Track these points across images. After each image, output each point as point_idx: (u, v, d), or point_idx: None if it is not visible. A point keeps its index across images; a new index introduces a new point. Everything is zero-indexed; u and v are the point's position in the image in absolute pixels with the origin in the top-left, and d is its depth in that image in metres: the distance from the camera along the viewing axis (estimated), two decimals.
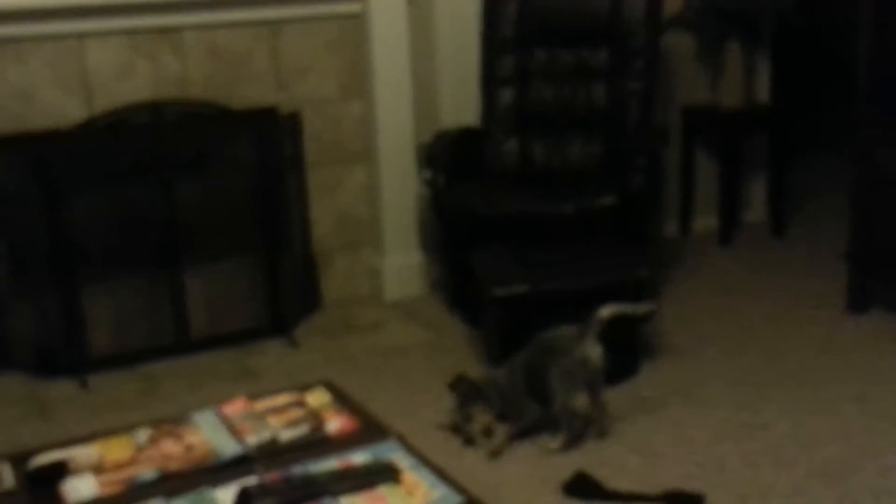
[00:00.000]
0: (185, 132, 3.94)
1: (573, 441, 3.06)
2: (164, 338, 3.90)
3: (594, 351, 3.03)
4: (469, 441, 3.10)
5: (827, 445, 3.01)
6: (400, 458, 1.75)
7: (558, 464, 2.97)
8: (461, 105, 4.43)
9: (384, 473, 1.68)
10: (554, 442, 3.06)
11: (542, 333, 3.12)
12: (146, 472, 1.73)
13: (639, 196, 3.80)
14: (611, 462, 2.98)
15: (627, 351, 3.53)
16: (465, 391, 3.10)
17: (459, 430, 3.13)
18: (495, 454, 3.04)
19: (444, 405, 3.35)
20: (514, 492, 2.84)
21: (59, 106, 3.80)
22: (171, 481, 1.70)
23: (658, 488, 2.79)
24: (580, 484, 2.85)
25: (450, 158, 4.12)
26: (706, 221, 5.17)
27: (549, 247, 3.67)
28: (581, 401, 3.03)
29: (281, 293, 4.06)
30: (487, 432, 3.08)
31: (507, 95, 4.34)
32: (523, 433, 3.12)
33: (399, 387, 3.57)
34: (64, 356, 3.75)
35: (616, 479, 2.86)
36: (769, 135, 5.15)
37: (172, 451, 1.81)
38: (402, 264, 4.44)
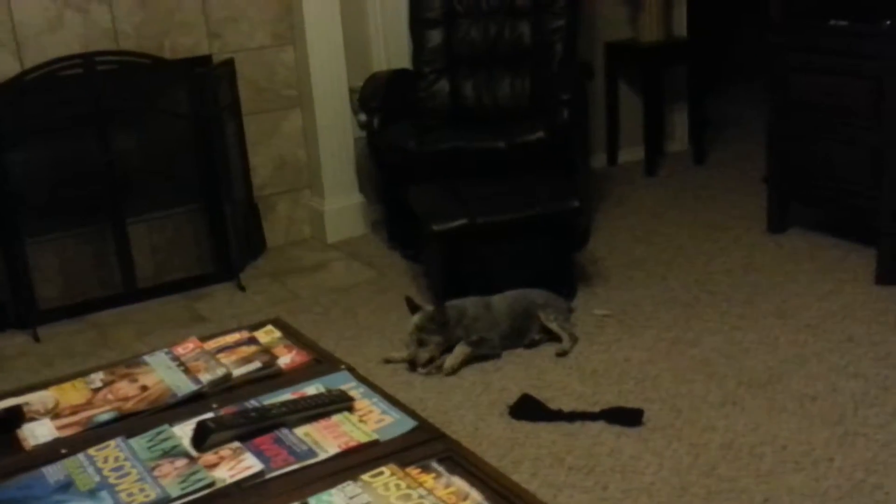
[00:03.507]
0: (119, 83, 3.95)
1: (572, 347, 3.35)
2: (111, 287, 3.95)
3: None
4: (414, 365, 3.24)
5: (754, 357, 3.21)
6: (352, 388, 1.80)
7: (503, 389, 3.12)
8: (392, 48, 4.51)
9: (337, 402, 1.72)
10: (563, 346, 3.33)
11: (516, 291, 3.46)
12: (103, 414, 1.76)
13: (566, 129, 3.94)
14: (553, 385, 3.14)
15: (564, 279, 3.69)
16: (436, 317, 3.24)
17: (411, 352, 3.26)
18: (452, 371, 3.21)
19: (389, 340, 3.49)
20: (462, 416, 2.98)
21: None
22: (129, 421, 1.73)
23: (598, 406, 2.96)
24: (525, 406, 2.99)
25: (382, 100, 4.20)
26: (632, 153, 5.35)
27: (483, 182, 3.79)
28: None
29: (225, 239, 4.13)
30: (432, 360, 3.24)
31: (435, 36, 4.43)
32: (476, 358, 3.28)
33: (345, 324, 3.68)
34: (12, 309, 3.79)
35: (559, 401, 3.02)
36: (688, 67, 5.32)
37: (128, 392, 1.83)
38: (342, 206, 4.53)
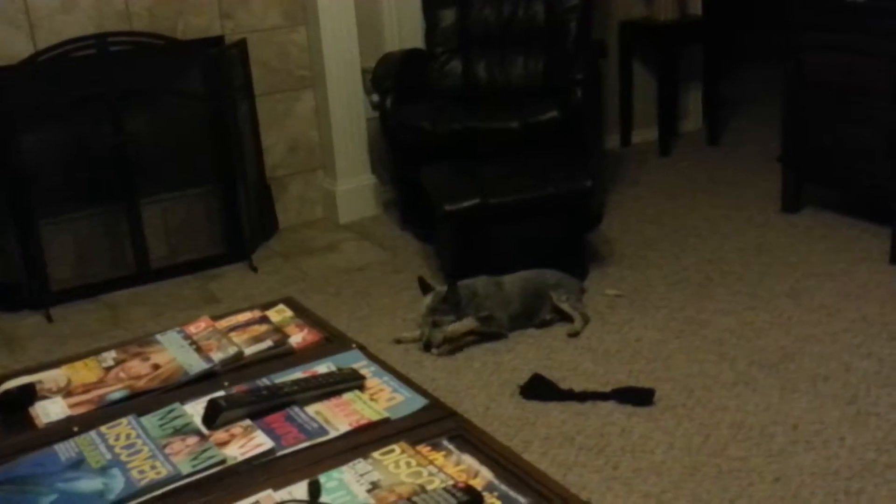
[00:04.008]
0: (132, 64, 3.95)
1: (583, 328, 3.35)
2: (124, 268, 3.97)
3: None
4: (429, 346, 3.25)
5: (766, 337, 3.20)
6: (363, 367, 1.80)
7: (514, 369, 3.12)
8: (405, 28, 4.50)
9: (348, 381, 1.73)
10: (574, 326, 3.33)
11: (528, 271, 3.47)
12: (115, 392, 1.76)
13: (580, 109, 3.92)
14: (564, 365, 3.14)
15: (576, 259, 3.68)
16: (448, 297, 3.25)
17: (425, 333, 3.26)
18: (453, 336, 3.22)
19: (401, 320, 3.50)
20: (473, 396, 2.99)
21: (2, 42, 3.80)
22: (141, 399, 1.74)
23: (609, 386, 2.96)
24: (536, 386, 3.00)
25: (395, 81, 4.20)
26: (646, 133, 5.32)
27: (495, 162, 3.78)
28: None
29: (238, 220, 4.14)
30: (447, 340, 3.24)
31: (449, 16, 4.41)
32: (483, 338, 3.28)
33: (357, 304, 3.69)
34: (26, 290, 3.81)
35: (570, 381, 3.02)
36: (703, 47, 5.29)
37: (140, 370, 1.84)
38: (354, 187, 4.53)
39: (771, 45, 4.66)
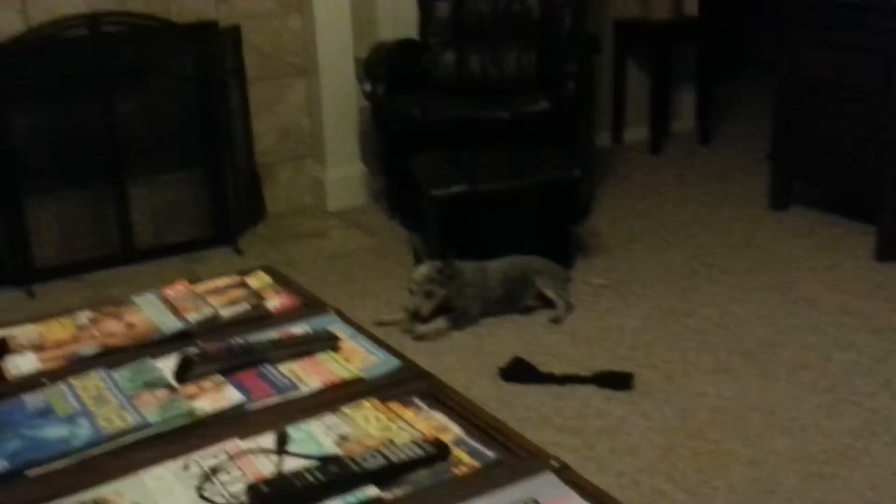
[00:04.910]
0: (125, 45, 3.95)
1: (566, 314, 3.35)
2: (109, 248, 3.97)
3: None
4: (418, 317, 3.26)
5: (748, 328, 3.21)
6: (339, 329, 1.81)
7: (495, 353, 3.12)
8: (399, 18, 4.50)
9: (323, 341, 1.73)
10: (557, 312, 3.34)
11: (514, 257, 3.47)
12: (88, 349, 1.76)
13: (571, 101, 3.93)
14: (546, 349, 3.15)
15: (563, 249, 3.68)
16: (444, 270, 3.26)
17: (416, 303, 3.26)
18: (428, 337, 3.22)
19: (385, 304, 3.50)
20: (453, 378, 2.97)
21: None
22: (113, 355, 1.73)
23: (590, 371, 2.96)
24: (516, 369, 3.00)
25: (388, 70, 4.20)
26: (637, 132, 5.34)
27: (485, 151, 3.79)
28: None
29: (226, 204, 4.14)
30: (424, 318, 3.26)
31: (443, 8, 4.42)
32: (456, 327, 3.30)
33: (341, 288, 3.69)
34: (9, 266, 3.80)
35: (551, 365, 3.02)
36: (697, 47, 5.30)
37: (114, 329, 1.84)
38: (344, 175, 4.53)
39: (765, 46, 4.67)
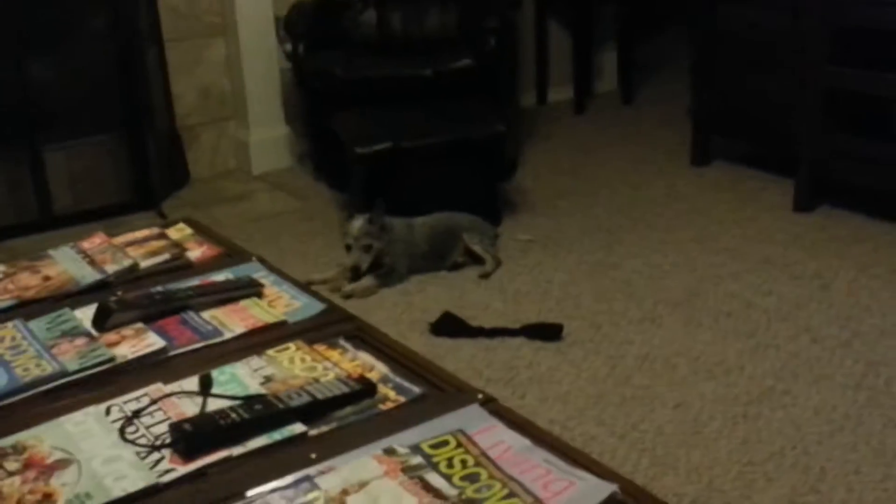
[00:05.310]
0: (34, 3, 3.82)
1: (495, 270, 3.36)
2: (26, 214, 3.86)
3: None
4: (358, 272, 3.24)
5: (673, 278, 3.25)
6: (262, 276, 1.79)
7: (425, 309, 3.12)
8: None
9: (246, 288, 1.71)
10: (485, 268, 3.34)
11: (441, 213, 3.46)
12: (2, 302, 1.71)
13: (493, 57, 3.92)
14: (475, 304, 3.15)
15: (490, 206, 3.68)
16: (373, 219, 3.24)
17: (355, 258, 3.24)
18: (356, 295, 3.19)
19: (313, 263, 3.47)
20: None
21: None
22: (29, 307, 1.69)
23: (519, 324, 2.98)
24: (446, 323, 3.00)
25: (308, 28, 4.14)
26: (561, 92, 5.34)
27: (409, 108, 3.76)
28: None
29: (146, 168, 4.05)
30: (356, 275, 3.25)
31: None
32: (384, 284, 3.28)
33: (268, 250, 3.57)
34: None
35: (480, 319, 3.03)
36: (618, 7, 5.32)
37: (29, 282, 1.79)
38: (267, 137, 4.46)
39: (687, 3, 4.70)
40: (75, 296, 1.74)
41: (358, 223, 3.24)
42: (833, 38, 3.54)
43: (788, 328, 2.86)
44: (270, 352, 1.50)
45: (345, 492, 1.15)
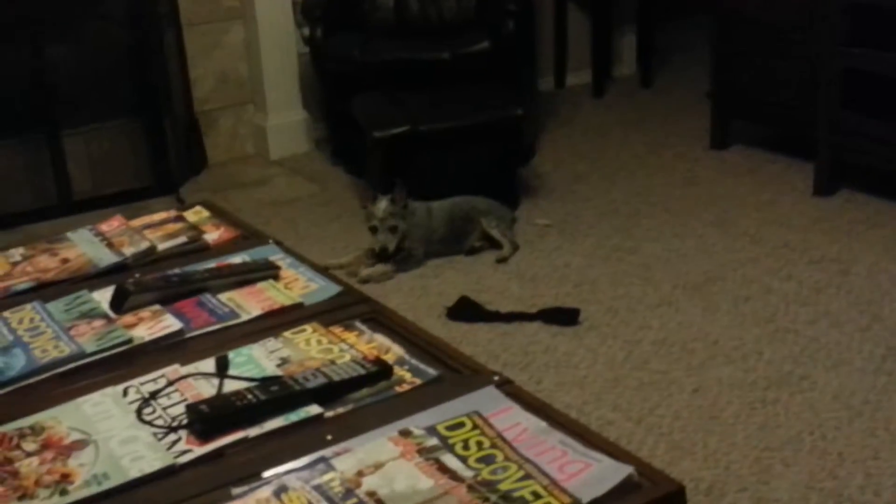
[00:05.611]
0: None
1: (512, 254, 3.35)
2: (46, 199, 3.88)
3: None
4: (386, 252, 3.23)
5: (691, 263, 3.24)
6: (279, 259, 1.79)
7: (441, 293, 3.12)
8: None
9: (263, 270, 1.71)
10: (503, 252, 3.33)
11: (459, 198, 3.45)
12: (21, 284, 1.72)
13: (511, 40, 3.90)
14: (492, 289, 3.15)
15: (508, 190, 3.68)
16: (396, 199, 3.24)
17: (382, 240, 3.23)
18: (373, 280, 3.19)
19: (330, 248, 3.47)
20: None
21: None
22: (48, 289, 1.70)
23: (536, 308, 2.98)
24: (463, 308, 3.00)
25: (326, 12, 4.13)
26: (580, 76, 5.32)
27: (427, 91, 3.76)
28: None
29: (164, 152, 4.06)
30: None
31: None
32: (401, 269, 3.28)
33: (285, 235, 3.59)
34: None
35: (497, 304, 3.03)
36: None
37: (48, 264, 1.80)
38: (285, 122, 4.47)
39: None
40: (93, 278, 1.75)
41: (383, 204, 3.24)
42: (851, 19, 3.50)
43: (807, 313, 2.85)
44: (287, 333, 1.50)
45: (360, 473, 1.15)
